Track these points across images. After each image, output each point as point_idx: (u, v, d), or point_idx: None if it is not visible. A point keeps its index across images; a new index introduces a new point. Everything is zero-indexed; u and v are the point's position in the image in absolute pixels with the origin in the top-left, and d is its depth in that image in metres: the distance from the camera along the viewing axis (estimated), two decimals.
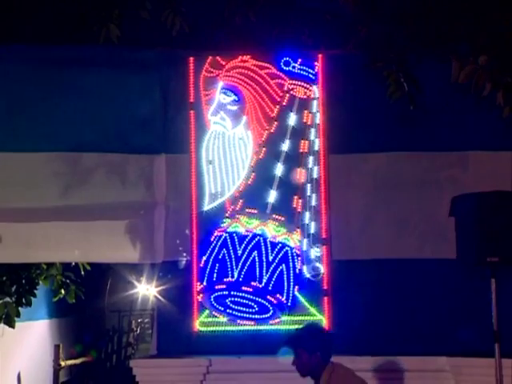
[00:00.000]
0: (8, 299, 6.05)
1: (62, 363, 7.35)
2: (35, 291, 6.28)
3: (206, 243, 5.61)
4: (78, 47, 5.56)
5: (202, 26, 5.47)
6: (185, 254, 5.66)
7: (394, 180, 5.60)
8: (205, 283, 5.57)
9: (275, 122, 5.69)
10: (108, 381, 8.68)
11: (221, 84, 5.73)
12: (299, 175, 5.64)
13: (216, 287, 5.55)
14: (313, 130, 5.68)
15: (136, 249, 5.59)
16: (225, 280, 5.53)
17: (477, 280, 5.15)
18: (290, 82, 5.71)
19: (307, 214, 5.62)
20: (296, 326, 5.48)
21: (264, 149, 5.68)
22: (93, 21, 5.25)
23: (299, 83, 5.71)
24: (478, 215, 4.92)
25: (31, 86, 5.58)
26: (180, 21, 5.19)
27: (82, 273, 6.39)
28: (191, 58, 5.74)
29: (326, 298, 5.56)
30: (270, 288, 5.51)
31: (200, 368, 5.37)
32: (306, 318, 5.54)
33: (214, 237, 5.61)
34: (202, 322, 5.60)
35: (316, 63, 5.72)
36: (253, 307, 5.53)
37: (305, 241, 5.59)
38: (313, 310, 5.56)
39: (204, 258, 5.59)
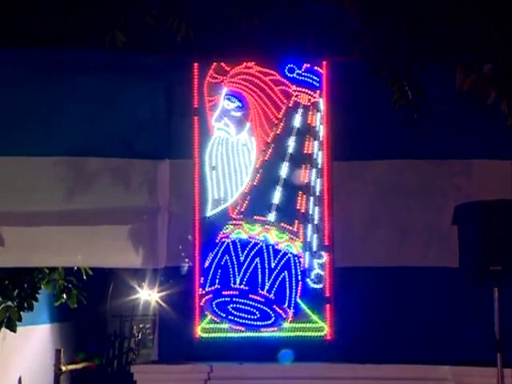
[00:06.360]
0: (10, 303, 6.03)
1: (63, 368, 7.34)
2: (37, 295, 6.26)
3: (209, 249, 5.61)
4: (83, 52, 5.57)
5: (207, 32, 5.47)
6: (187, 260, 5.65)
7: (398, 187, 5.59)
8: (207, 289, 5.57)
9: (279, 129, 5.69)
10: None
11: (225, 90, 5.73)
12: (302, 177, 5.63)
13: (218, 293, 5.54)
14: (316, 138, 5.68)
15: (138, 254, 5.59)
16: (227, 286, 5.53)
17: (479, 289, 5.15)
18: (294, 88, 5.71)
19: (310, 221, 5.61)
20: (298, 334, 5.52)
21: (268, 151, 5.67)
22: (98, 26, 5.26)
23: (303, 90, 5.71)
24: (481, 224, 4.92)
25: (36, 91, 5.59)
26: (185, 27, 5.19)
27: (84, 277, 6.39)
28: (196, 64, 5.75)
29: (328, 306, 5.54)
30: (272, 295, 5.50)
31: (201, 374, 5.36)
32: (308, 325, 5.53)
33: (216, 243, 5.61)
34: (203, 328, 5.59)
35: (320, 70, 5.72)
36: (255, 314, 5.52)
37: (308, 247, 5.59)
38: (315, 317, 5.54)
39: (206, 264, 5.59)
